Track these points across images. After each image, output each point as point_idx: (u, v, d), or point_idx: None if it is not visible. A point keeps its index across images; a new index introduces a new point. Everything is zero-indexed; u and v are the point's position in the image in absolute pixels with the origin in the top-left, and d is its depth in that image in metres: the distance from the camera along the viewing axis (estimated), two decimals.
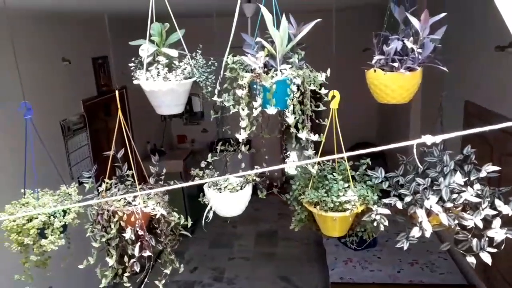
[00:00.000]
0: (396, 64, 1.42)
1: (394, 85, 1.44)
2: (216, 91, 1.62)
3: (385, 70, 1.46)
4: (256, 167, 1.67)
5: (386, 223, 1.55)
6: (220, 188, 1.77)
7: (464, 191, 1.42)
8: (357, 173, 1.71)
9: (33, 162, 1.81)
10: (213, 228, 3.39)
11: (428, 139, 0.70)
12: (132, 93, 5.11)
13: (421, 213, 1.46)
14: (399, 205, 1.53)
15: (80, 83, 4.25)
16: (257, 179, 1.79)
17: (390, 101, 1.48)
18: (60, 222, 1.74)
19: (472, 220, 1.39)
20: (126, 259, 1.68)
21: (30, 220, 1.72)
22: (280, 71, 1.43)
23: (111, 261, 1.64)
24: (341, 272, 4.02)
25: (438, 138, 0.69)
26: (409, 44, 1.39)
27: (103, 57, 4.68)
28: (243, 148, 1.68)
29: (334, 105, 1.53)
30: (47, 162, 2.02)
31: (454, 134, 0.69)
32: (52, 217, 1.74)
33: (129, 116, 5.20)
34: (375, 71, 1.47)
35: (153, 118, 6.55)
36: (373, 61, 1.47)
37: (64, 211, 1.77)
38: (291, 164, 1.37)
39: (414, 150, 0.84)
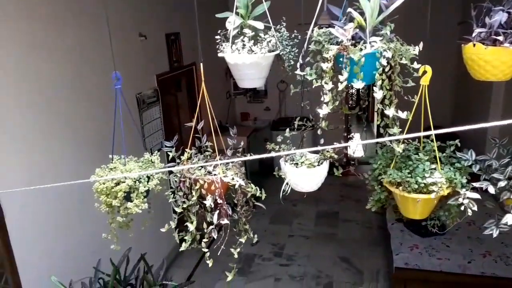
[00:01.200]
0: (500, 38, 1.30)
1: (496, 61, 1.33)
2: (298, 65, 1.60)
3: (486, 44, 1.35)
4: (334, 143, 1.64)
5: (475, 208, 1.47)
6: (297, 163, 1.77)
7: None
8: (444, 154, 1.62)
9: (121, 130, 1.93)
10: (273, 205, 3.42)
11: None
12: (200, 70, 5.26)
13: None
14: (491, 190, 1.44)
15: (154, 58, 4.43)
16: (335, 156, 1.76)
17: (489, 78, 1.37)
18: (144, 187, 1.85)
19: None
20: (204, 225, 1.76)
21: (117, 183, 1.84)
22: (370, 43, 1.37)
23: (191, 227, 1.72)
24: (406, 258, 3.91)
25: None
26: None
27: (175, 34, 4.81)
28: (323, 124, 1.65)
29: (425, 81, 1.45)
30: (127, 131, 2.13)
31: None
32: (137, 182, 1.85)
33: (197, 92, 5.35)
34: (474, 45, 1.37)
35: (219, 95, 6.70)
36: (473, 35, 1.37)
37: (148, 177, 1.87)
38: (377, 140, 1.33)
39: None
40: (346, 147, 7.11)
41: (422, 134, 1.46)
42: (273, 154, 1.81)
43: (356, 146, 7.54)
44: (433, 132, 1.37)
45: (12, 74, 2.66)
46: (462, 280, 3.76)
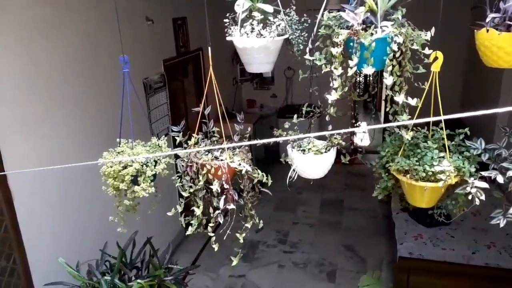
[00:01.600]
0: None
1: (509, 47, 1.30)
2: (307, 50, 1.58)
3: (500, 30, 1.32)
4: (342, 130, 1.63)
5: (483, 197, 1.46)
6: (304, 150, 1.76)
7: None
8: (453, 143, 1.61)
9: (129, 114, 1.93)
10: (278, 192, 3.42)
11: None
12: (207, 55, 5.24)
13: None
14: (500, 179, 1.43)
15: (161, 43, 4.41)
16: (343, 143, 1.75)
17: (502, 65, 1.35)
18: (151, 171, 1.85)
19: None
20: (210, 210, 1.77)
21: (125, 167, 1.85)
22: (381, 28, 1.35)
23: (198, 211, 1.72)
24: (410, 247, 3.92)
25: None
26: None
27: (182, 18, 4.78)
28: (331, 110, 1.64)
29: (436, 67, 1.43)
30: (134, 116, 2.13)
31: None
32: (144, 166, 1.86)
33: (204, 78, 5.33)
34: (487, 31, 1.34)
35: (225, 81, 6.67)
36: (487, 20, 1.34)
37: (155, 161, 1.88)
38: (385, 125, 1.32)
39: None
40: (353, 135, 7.11)
41: (431, 119, 1.44)
42: (280, 138, 1.80)
43: (363, 134, 7.52)
44: (442, 117, 1.35)
45: (21, 60, 2.66)
46: (466, 271, 3.76)
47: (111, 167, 1.84)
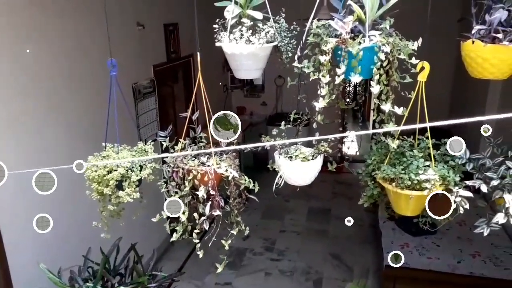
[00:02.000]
0: (499, 36, 1.30)
1: (494, 59, 1.32)
2: (296, 57, 1.59)
3: (485, 42, 1.34)
4: (329, 136, 1.63)
5: (467, 206, 1.47)
6: (291, 157, 1.76)
7: None
8: (438, 152, 1.62)
9: (115, 118, 1.91)
10: (265, 200, 3.45)
11: None
12: (197, 61, 5.23)
13: (509, 199, 1.37)
14: (484, 188, 1.45)
15: (151, 49, 4.39)
16: (330, 151, 1.75)
17: (487, 76, 1.37)
18: (136, 176, 1.83)
19: None
20: (195, 216, 1.75)
21: (110, 171, 1.82)
22: (369, 37, 1.36)
23: (183, 217, 1.70)
24: None
25: None
26: None
27: (173, 24, 4.77)
28: (318, 118, 1.64)
29: (422, 77, 1.44)
30: (121, 120, 2.11)
31: None
32: (129, 170, 1.84)
33: (194, 84, 5.33)
34: (473, 42, 1.36)
35: (215, 88, 6.67)
36: (472, 32, 1.36)
37: (141, 166, 1.85)
38: (372, 131, 1.33)
39: None
40: (340, 143, 7.16)
41: (417, 126, 1.46)
42: (266, 143, 1.80)
43: (351, 141, 7.58)
44: (428, 124, 1.37)
45: (9, 60, 2.62)
46: (451, 280, 3.79)
47: (95, 171, 1.81)
